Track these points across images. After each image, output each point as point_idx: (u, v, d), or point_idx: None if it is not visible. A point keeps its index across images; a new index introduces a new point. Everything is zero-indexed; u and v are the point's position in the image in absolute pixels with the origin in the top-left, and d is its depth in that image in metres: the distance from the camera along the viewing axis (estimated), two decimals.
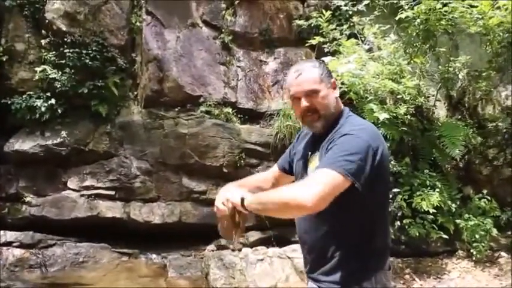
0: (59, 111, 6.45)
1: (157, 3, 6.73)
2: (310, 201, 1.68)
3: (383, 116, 5.23)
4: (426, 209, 5.37)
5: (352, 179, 1.75)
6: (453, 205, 5.64)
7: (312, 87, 1.98)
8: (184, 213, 6.49)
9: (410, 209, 5.53)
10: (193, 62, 6.65)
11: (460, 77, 6.33)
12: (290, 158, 2.30)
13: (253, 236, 6.20)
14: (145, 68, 6.66)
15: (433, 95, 6.31)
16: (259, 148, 6.51)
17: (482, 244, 5.54)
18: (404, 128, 5.60)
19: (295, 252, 5.45)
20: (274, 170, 2.43)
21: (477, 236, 5.56)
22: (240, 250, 5.98)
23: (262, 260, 5.64)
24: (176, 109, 6.56)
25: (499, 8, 5.70)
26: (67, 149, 6.49)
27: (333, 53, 6.18)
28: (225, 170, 6.38)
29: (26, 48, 6.68)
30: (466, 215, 5.71)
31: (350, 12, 6.75)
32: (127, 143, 6.62)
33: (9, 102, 6.44)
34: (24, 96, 6.46)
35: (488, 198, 5.87)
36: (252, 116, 6.80)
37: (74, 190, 6.51)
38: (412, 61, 5.96)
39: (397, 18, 5.88)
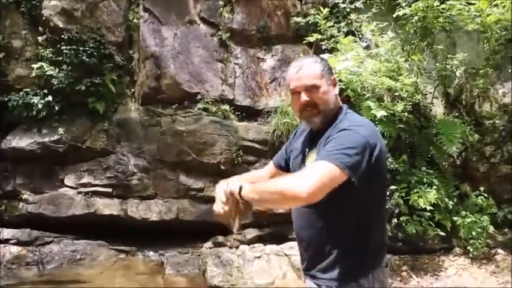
0: (56, 108, 6.43)
1: (155, 0, 6.71)
2: (305, 191, 1.68)
3: (380, 113, 5.24)
4: (423, 206, 5.38)
5: (348, 172, 1.75)
6: (450, 202, 5.66)
7: (313, 82, 1.98)
8: (182, 210, 6.48)
9: (407, 206, 5.55)
10: (190, 59, 6.64)
11: (458, 74, 6.34)
12: (286, 155, 2.30)
13: (251, 233, 6.19)
14: (142, 65, 6.65)
15: (431, 93, 6.31)
16: (256, 145, 6.50)
17: (479, 241, 5.57)
18: (401, 125, 5.61)
19: (292, 249, 5.46)
20: (270, 167, 2.42)
21: (474, 233, 5.58)
22: (237, 247, 5.98)
23: (259, 257, 5.65)
24: (173, 106, 6.55)
25: (496, 5, 5.71)
26: (64, 146, 6.47)
27: (331, 51, 6.18)
28: (222, 167, 6.37)
29: (22, 45, 6.65)
30: (463, 212, 5.74)
31: (348, 10, 6.75)
32: (124, 140, 6.62)
33: (6, 99, 6.41)
34: (21, 93, 6.44)
35: (485, 195, 5.89)
36: (249, 113, 6.79)
37: (71, 187, 6.50)
38: (409, 58, 5.97)
39: (394, 15, 5.88)
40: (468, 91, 6.47)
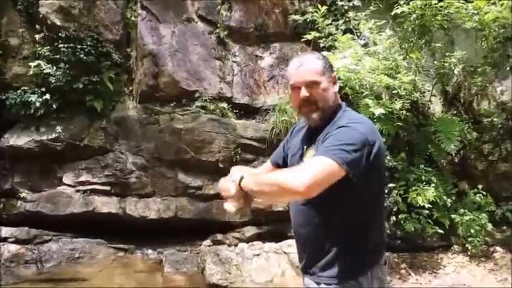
0: (54, 106, 6.40)
1: None
2: (303, 185, 1.68)
3: (379, 111, 5.25)
4: (422, 204, 5.39)
5: (346, 168, 1.75)
6: (448, 200, 5.67)
7: (313, 78, 1.98)
8: (180, 208, 6.47)
9: (405, 204, 5.56)
10: (188, 57, 6.63)
11: (456, 72, 6.34)
12: (284, 153, 2.30)
13: (250, 231, 6.19)
14: (140, 63, 6.63)
15: (429, 90, 6.32)
16: (254, 143, 6.50)
17: (478, 239, 5.58)
18: (399, 123, 5.61)
19: (291, 247, 5.46)
20: (268, 165, 2.43)
21: (472, 231, 5.59)
22: (236, 245, 5.98)
23: (258, 255, 5.65)
24: (171, 104, 6.53)
25: (494, 3, 5.72)
26: (62, 144, 6.46)
27: (329, 48, 6.18)
28: (220, 165, 6.36)
29: (20, 43, 6.63)
30: (462, 210, 5.74)
31: (346, 7, 6.74)
32: (122, 139, 6.60)
33: (3, 97, 6.39)
34: (18, 92, 6.41)
35: (484, 193, 5.91)
36: (247, 111, 6.79)
37: (69, 185, 6.48)
38: (407, 56, 5.97)
39: (392, 13, 5.88)
40: (466, 89, 6.48)
